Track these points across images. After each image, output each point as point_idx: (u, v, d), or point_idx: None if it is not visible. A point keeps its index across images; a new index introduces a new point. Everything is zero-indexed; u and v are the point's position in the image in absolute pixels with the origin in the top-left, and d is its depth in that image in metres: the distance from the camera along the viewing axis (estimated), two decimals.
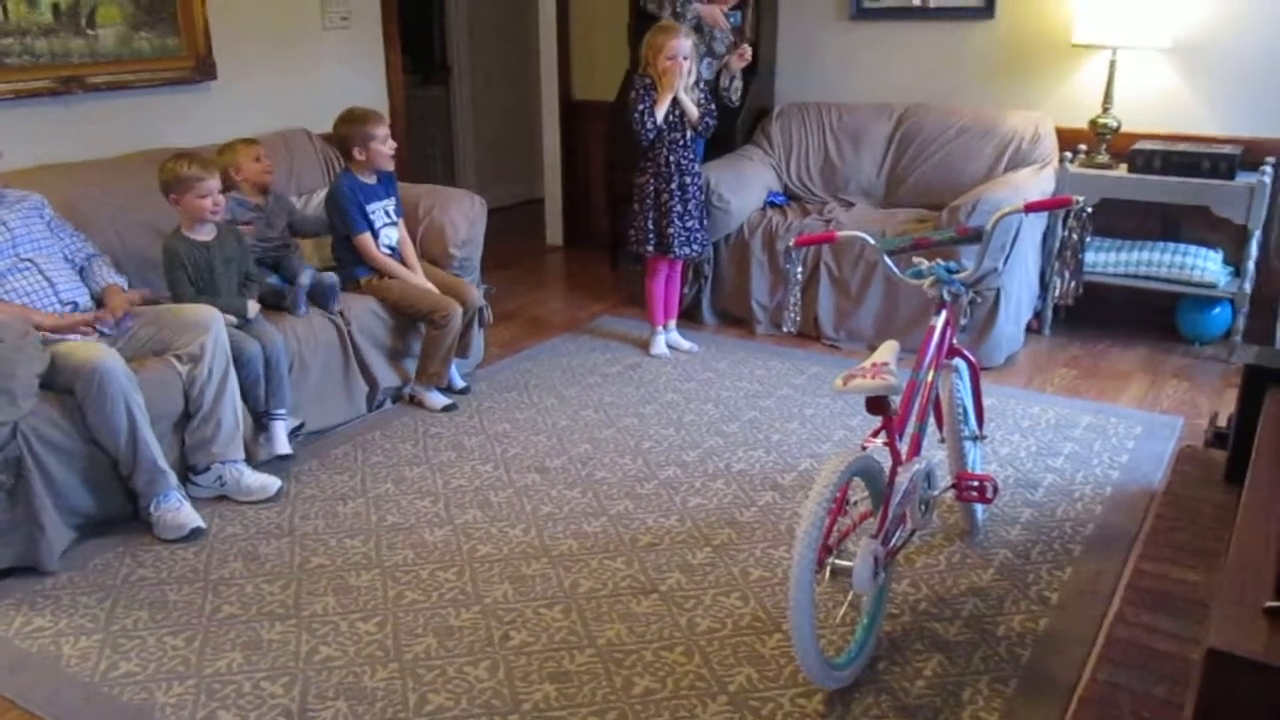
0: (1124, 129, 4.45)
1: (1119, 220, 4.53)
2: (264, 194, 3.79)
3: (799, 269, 2.68)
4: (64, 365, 2.85)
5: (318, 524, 3.09)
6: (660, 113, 4.13)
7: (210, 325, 3.13)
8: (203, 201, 3.31)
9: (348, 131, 3.78)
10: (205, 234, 3.38)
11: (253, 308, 3.40)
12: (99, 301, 3.21)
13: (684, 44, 4.08)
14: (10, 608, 2.68)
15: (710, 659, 2.45)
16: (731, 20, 4.58)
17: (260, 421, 3.38)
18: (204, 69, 4.14)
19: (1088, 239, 2.52)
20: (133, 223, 3.62)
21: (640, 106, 4.13)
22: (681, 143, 4.24)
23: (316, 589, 2.75)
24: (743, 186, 4.75)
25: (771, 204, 4.91)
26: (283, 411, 3.41)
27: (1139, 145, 4.35)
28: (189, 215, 3.34)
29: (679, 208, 4.27)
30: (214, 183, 3.34)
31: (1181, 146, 4.29)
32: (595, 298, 5.38)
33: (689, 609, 2.64)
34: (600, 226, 6.13)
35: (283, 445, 3.41)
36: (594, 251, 6.13)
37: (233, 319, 3.30)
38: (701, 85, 4.30)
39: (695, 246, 4.39)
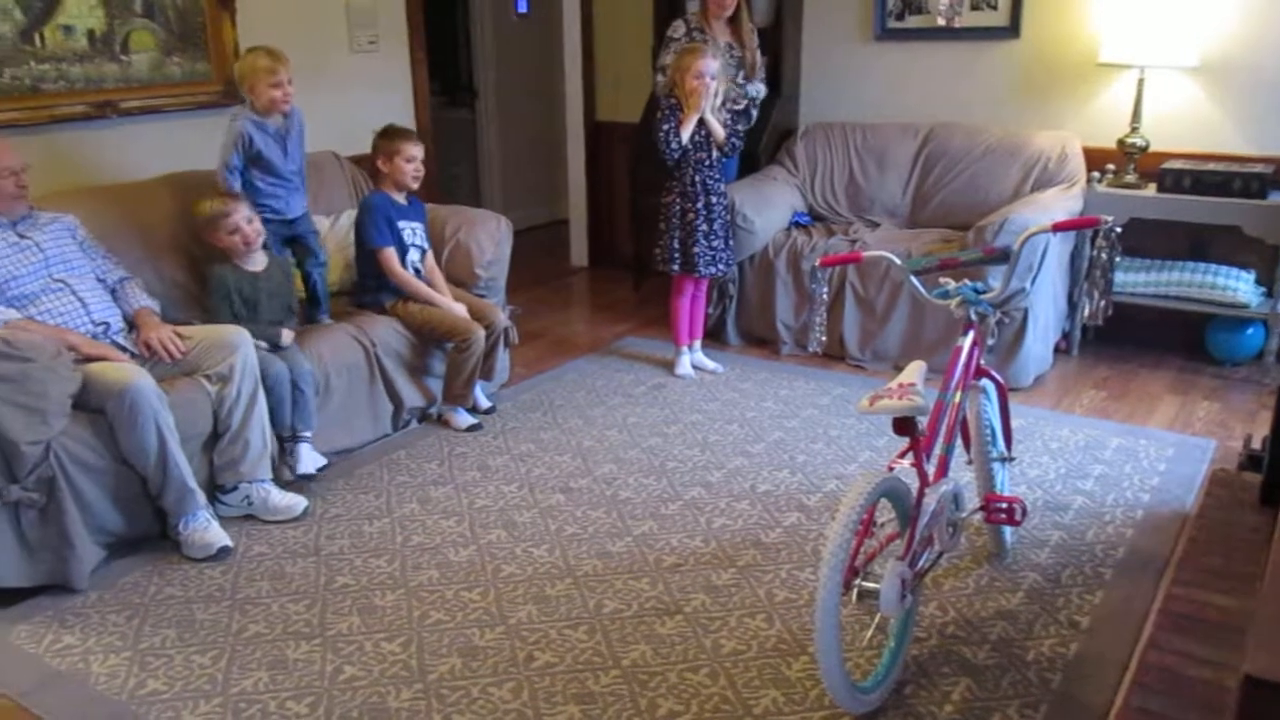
0: (1152, 148, 4.42)
1: (1147, 240, 4.50)
2: (284, 117, 3.64)
3: (824, 289, 2.67)
4: (95, 385, 2.88)
5: (343, 543, 3.11)
6: (685, 133, 4.15)
7: (239, 346, 3.16)
8: (233, 238, 3.37)
9: (380, 141, 3.86)
10: (256, 265, 3.44)
11: (286, 336, 3.43)
12: (130, 324, 3.25)
13: (711, 64, 4.09)
14: (41, 625, 2.70)
15: (735, 681, 2.43)
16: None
17: (284, 444, 3.41)
18: (233, 93, 4.16)
19: (1117, 258, 2.50)
20: (165, 244, 3.67)
21: (665, 126, 4.15)
22: (707, 163, 4.25)
23: (342, 608, 2.76)
24: (767, 207, 4.75)
25: (796, 224, 4.91)
26: (308, 434, 3.43)
27: (1168, 164, 4.32)
28: (229, 252, 3.40)
29: (704, 227, 4.28)
30: (243, 209, 3.38)
31: (1211, 166, 4.26)
32: (620, 318, 5.39)
33: (714, 630, 2.63)
34: (625, 247, 6.15)
35: (307, 465, 3.43)
36: (618, 272, 6.14)
37: (264, 344, 3.33)
38: (728, 106, 4.31)
39: (720, 266, 4.39)
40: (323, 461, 3.50)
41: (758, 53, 4.76)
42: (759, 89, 4.78)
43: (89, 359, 2.98)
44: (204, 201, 3.40)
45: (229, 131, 3.51)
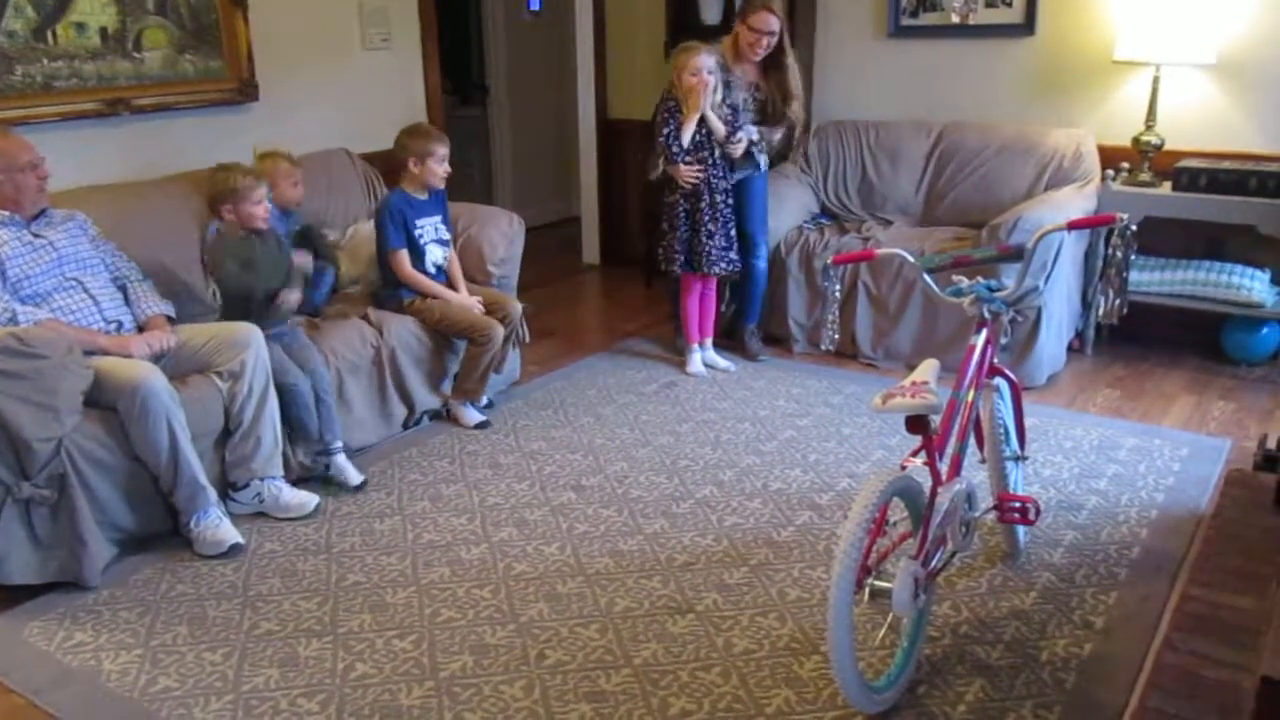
0: (1167, 146, 4.39)
1: (1163, 239, 4.46)
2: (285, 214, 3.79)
3: (837, 287, 2.66)
4: (107, 382, 2.89)
5: (354, 541, 3.11)
6: (686, 135, 4.12)
7: (250, 343, 3.16)
8: (256, 209, 3.40)
9: (408, 143, 3.84)
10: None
11: (291, 298, 3.42)
12: (141, 327, 3.24)
13: (708, 60, 4.06)
14: (53, 622, 2.71)
15: (747, 680, 2.42)
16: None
17: (319, 457, 3.41)
18: (247, 91, 4.20)
19: (1132, 257, 2.48)
20: (176, 242, 3.67)
21: (665, 130, 4.13)
22: (711, 160, 4.22)
23: (353, 606, 2.76)
24: (779, 205, 4.73)
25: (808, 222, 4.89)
26: (339, 444, 3.44)
27: (1183, 163, 4.28)
28: (242, 223, 3.41)
29: (709, 226, 4.25)
30: (264, 190, 3.42)
31: (1227, 164, 4.22)
32: (631, 316, 5.38)
33: (726, 629, 2.62)
34: (636, 245, 6.14)
35: (354, 475, 3.42)
36: (630, 270, 6.14)
37: (281, 324, 3.35)
38: (728, 102, 4.24)
39: (727, 264, 4.37)
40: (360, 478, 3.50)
41: (796, 103, 4.43)
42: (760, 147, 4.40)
43: (99, 350, 2.98)
44: (235, 173, 3.40)
45: None
